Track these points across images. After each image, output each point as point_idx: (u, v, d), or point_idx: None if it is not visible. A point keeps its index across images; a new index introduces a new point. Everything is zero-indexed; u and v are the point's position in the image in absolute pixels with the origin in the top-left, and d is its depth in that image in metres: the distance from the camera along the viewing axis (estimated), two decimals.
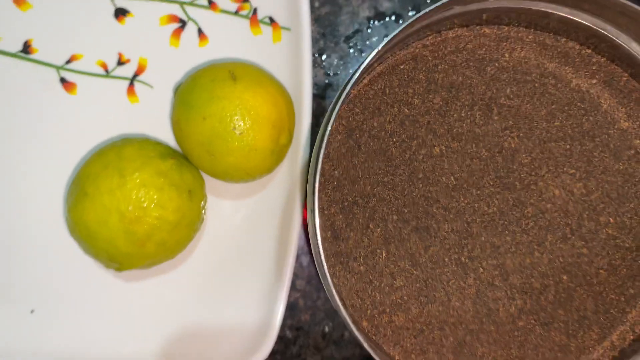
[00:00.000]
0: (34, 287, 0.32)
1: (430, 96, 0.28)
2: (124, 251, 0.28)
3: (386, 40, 0.25)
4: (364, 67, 0.25)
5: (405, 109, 0.28)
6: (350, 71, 0.36)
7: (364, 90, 0.28)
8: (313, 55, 0.35)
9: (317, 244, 0.25)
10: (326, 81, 0.36)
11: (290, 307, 0.35)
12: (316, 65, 0.36)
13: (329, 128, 0.25)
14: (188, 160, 0.31)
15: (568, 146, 0.28)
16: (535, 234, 0.27)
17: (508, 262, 0.27)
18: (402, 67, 0.28)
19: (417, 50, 0.28)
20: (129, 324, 0.33)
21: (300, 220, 0.32)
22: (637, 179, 0.28)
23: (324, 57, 0.36)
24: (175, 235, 0.29)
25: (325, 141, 0.25)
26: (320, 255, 0.25)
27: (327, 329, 0.36)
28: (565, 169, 0.28)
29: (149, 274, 0.33)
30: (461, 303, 0.27)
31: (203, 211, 0.31)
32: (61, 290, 0.32)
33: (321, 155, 0.25)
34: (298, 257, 0.36)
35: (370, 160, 0.27)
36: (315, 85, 0.36)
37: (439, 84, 0.28)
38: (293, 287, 0.36)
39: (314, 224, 0.25)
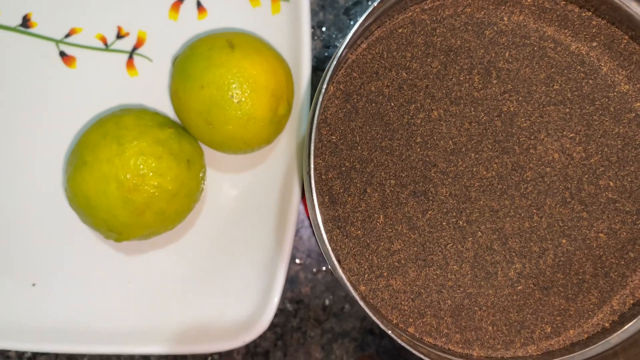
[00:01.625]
0: (35, 260, 0.32)
1: (429, 60, 0.28)
2: (122, 220, 0.28)
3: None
4: (358, 28, 0.25)
5: (404, 73, 0.27)
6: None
7: (361, 55, 0.28)
8: (312, 27, 0.35)
9: (314, 208, 0.25)
10: (325, 54, 0.35)
11: (291, 280, 0.35)
12: (315, 37, 0.35)
13: (323, 89, 0.25)
14: (187, 131, 0.31)
15: (567, 110, 0.27)
16: (534, 198, 0.27)
17: (507, 226, 0.27)
18: (400, 31, 0.28)
19: (416, 13, 0.28)
20: (130, 297, 0.33)
21: (300, 192, 0.32)
22: (637, 142, 0.27)
23: (323, 29, 0.35)
24: (174, 205, 0.29)
25: (319, 103, 0.25)
26: (317, 219, 0.25)
27: (327, 302, 0.36)
28: (564, 132, 0.27)
29: (148, 247, 0.33)
30: (459, 267, 0.27)
31: (202, 182, 0.31)
32: (62, 263, 0.33)
33: (316, 117, 0.25)
34: (298, 231, 0.36)
35: (368, 125, 0.27)
36: (315, 57, 0.35)
37: (437, 47, 0.28)
38: (293, 260, 0.36)
39: (311, 188, 0.25)
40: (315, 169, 0.27)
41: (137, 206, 0.28)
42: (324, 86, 0.25)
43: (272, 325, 0.35)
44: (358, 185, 0.27)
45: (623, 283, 0.27)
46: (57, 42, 0.33)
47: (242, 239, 0.33)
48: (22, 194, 0.33)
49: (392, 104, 0.27)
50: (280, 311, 0.35)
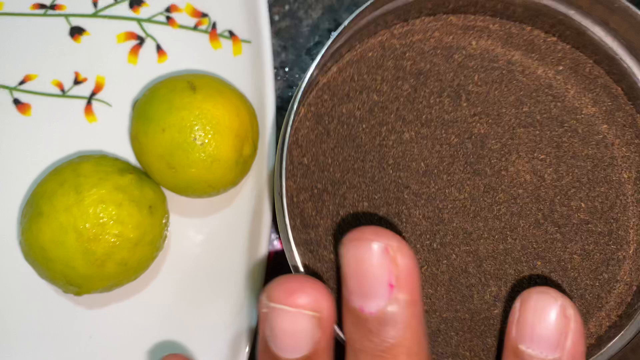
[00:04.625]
0: None
1: (399, 83, 0.28)
2: (82, 272, 0.27)
3: (349, 19, 0.25)
4: (328, 49, 0.25)
5: (374, 96, 0.27)
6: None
7: (332, 78, 0.28)
8: (275, 67, 0.35)
9: (287, 232, 0.24)
10: (289, 93, 0.36)
11: None
12: (278, 77, 0.36)
13: (294, 110, 0.25)
14: (148, 176, 0.30)
15: (537, 132, 0.28)
16: (507, 220, 0.27)
17: (481, 248, 0.27)
18: (370, 54, 0.28)
19: (385, 38, 0.28)
20: (91, 354, 0.31)
21: (269, 235, 0.31)
22: (605, 164, 0.28)
23: (286, 69, 0.36)
24: (136, 254, 0.28)
25: (290, 124, 0.25)
26: (290, 243, 0.24)
27: None
28: (535, 154, 0.28)
29: (110, 299, 0.32)
30: (434, 290, 0.26)
31: (165, 228, 0.30)
32: (19, 320, 0.31)
33: (287, 139, 0.25)
34: (269, 273, 0.34)
35: (340, 147, 0.27)
36: (279, 97, 0.35)
37: (407, 71, 0.28)
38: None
39: (283, 211, 0.24)
40: (286, 191, 0.26)
41: (98, 257, 0.27)
42: (295, 106, 0.25)
43: None
44: (330, 207, 0.27)
45: (599, 305, 0.27)
46: (10, 89, 0.33)
47: (209, 286, 0.32)
48: None
49: (364, 126, 0.27)
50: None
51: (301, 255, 0.26)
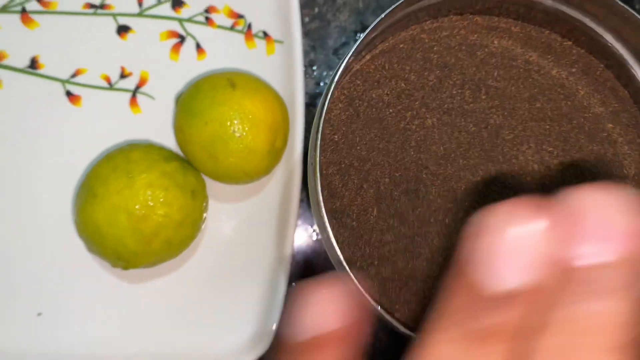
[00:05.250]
0: (41, 290, 0.34)
1: (426, 74, 0.31)
2: (131, 249, 0.30)
3: (379, 19, 0.28)
4: (364, 39, 0.28)
5: (402, 84, 0.30)
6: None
7: (365, 65, 0.31)
8: (304, 66, 0.38)
9: (318, 198, 0.27)
10: (317, 90, 0.38)
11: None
12: (307, 76, 0.38)
13: (329, 95, 0.28)
14: (190, 164, 0.33)
15: (547, 126, 0.30)
16: None
17: None
18: (401, 46, 0.31)
19: (416, 32, 0.31)
20: (134, 325, 0.34)
21: (296, 220, 0.34)
22: (608, 159, 0.30)
23: (314, 68, 0.38)
24: (179, 233, 0.31)
25: (326, 107, 0.28)
26: (320, 209, 0.27)
27: None
28: (544, 146, 0.30)
29: (152, 275, 0.34)
30: (444, 260, 0.29)
31: (205, 211, 0.33)
32: (67, 293, 0.34)
33: (322, 119, 0.28)
34: (295, 257, 0.37)
35: (368, 128, 0.30)
36: (307, 94, 0.38)
37: (434, 63, 0.31)
38: (290, 285, 0.37)
39: (316, 180, 0.27)
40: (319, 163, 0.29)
41: (146, 235, 0.30)
42: (329, 94, 0.28)
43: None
44: (355, 181, 0.30)
45: None
46: (63, 82, 0.35)
47: (240, 265, 0.35)
48: (30, 227, 0.34)
49: (391, 110, 0.30)
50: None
51: (328, 220, 0.29)
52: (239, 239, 0.35)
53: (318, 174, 0.27)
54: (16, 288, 0.34)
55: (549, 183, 0.30)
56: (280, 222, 0.35)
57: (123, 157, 0.31)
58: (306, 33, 0.38)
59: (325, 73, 0.38)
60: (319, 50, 0.39)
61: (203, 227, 0.34)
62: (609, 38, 0.30)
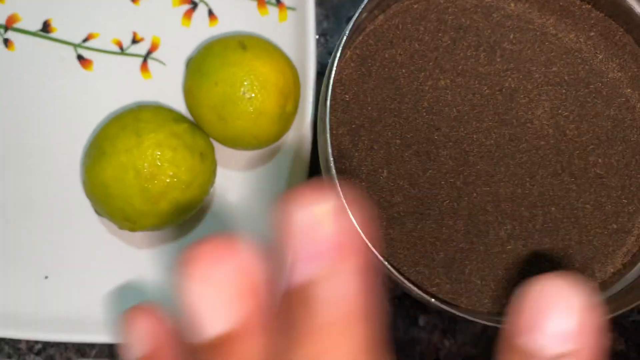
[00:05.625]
0: (48, 253, 0.33)
1: (440, 35, 0.30)
2: (138, 208, 0.30)
3: None
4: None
5: (416, 44, 0.30)
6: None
7: (379, 25, 0.30)
8: (317, 35, 0.37)
9: (328, 157, 0.27)
10: (328, 60, 0.38)
11: None
12: (320, 45, 0.38)
13: (339, 52, 0.27)
14: (199, 127, 0.33)
15: (564, 91, 0.30)
16: (528, 168, 0.29)
17: (501, 190, 0.29)
18: (415, 6, 0.30)
19: None
20: (141, 290, 0.34)
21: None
22: (625, 125, 0.30)
23: (327, 37, 0.38)
24: (187, 195, 0.31)
25: (335, 64, 0.27)
26: (330, 168, 0.27)
27: None
28: (559, 111, 0.30)
29: (159, 240, 0.34)
30: (454, 222, 0.29)
31: (213, 175, 0.33)
32: (74, 256, 0.34)
33: (332, 76, 0.27)
34: None
35: (380, 88, 0.30)
36: (319, 63, 0.37)
37: (449, 24, 0.30)
38: None
39: (326, 138, 0.27)
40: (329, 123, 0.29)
41: (153, 194, 0.30)
42: (339, 52, 0.27)
43: None
44: (365, 142, 0.29)
45: (606, 252, 0.29)
46: (75, 46, 0.35)
47: (247, 236, 0.34)
48: (39, 190, 0.34)
49: (404, 71, 0.30)
50: None
51: (338, 181, 0.29)
52: (247, 207, 0.35)
53: (328, 132, 0.27)
54: (23, 251, 0.34)
55: (564, 148, 0.29)
56: (288, 189, 0.35)
57: (132, 117, 0.31)
58: (320, 2, 0.38)
59: (337, 43, 0.38)
60: (331, 20, 0.38)
61: (211, 191, 0.34)
62: (630, 0, 0.30)
